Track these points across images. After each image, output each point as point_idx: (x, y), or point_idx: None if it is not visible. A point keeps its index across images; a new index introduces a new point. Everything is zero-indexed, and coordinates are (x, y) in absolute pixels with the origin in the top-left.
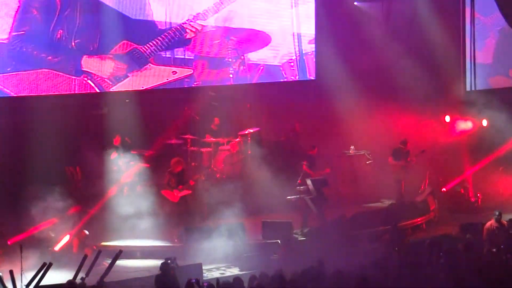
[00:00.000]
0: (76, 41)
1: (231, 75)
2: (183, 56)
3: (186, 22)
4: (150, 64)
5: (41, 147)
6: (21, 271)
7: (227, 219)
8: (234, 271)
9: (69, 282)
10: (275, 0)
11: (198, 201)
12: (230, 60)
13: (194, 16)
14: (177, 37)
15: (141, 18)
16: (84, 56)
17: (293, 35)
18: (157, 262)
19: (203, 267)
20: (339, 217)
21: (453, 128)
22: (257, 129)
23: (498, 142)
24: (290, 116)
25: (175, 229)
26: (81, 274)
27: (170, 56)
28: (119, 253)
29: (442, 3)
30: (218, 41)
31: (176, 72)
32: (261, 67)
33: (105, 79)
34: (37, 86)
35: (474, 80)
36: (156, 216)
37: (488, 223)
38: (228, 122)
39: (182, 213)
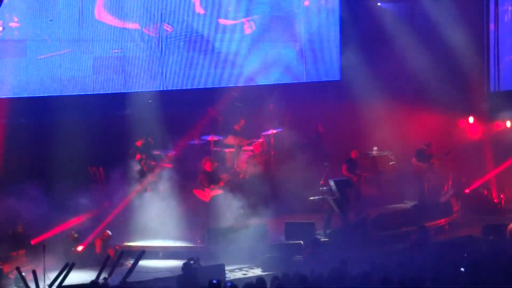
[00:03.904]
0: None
1: None
2: None
3: None
4: None
5: (65, 148)
6: (44, 271)
7: (250, 220)
8: (257, 271)
9: (92, 282)
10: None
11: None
12: None
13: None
14: None
15: None
16: None
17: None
18: (180, 263)
19: (226, 268)
20: (362, 218)
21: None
22: (280, 130)
23: None
24: (313, 116)
25: (198, 230)
26: (104, 274)
27: None
28: (142, 254)
29: (466, 4)
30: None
31: None
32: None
33: None
34: None
35: (498, 81)
36: (179, 216)
37: (511, 225)
38: (251, 122)
39: (211, 213)
